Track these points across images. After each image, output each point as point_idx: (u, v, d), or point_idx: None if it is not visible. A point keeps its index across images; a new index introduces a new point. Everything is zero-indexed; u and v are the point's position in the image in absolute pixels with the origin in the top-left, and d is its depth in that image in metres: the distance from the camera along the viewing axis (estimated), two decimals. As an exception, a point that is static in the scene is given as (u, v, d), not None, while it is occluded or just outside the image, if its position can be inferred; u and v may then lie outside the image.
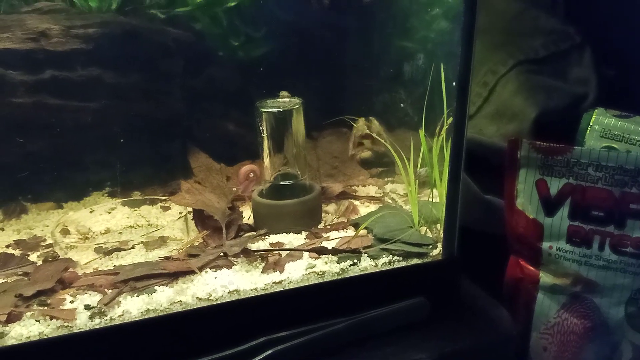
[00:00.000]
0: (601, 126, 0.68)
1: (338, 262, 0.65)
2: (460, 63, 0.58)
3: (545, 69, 0.82)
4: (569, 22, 0.85)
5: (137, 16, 0.81)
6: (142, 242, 0.70)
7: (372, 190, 0.86)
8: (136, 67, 0.80)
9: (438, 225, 0.71)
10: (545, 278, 0.67)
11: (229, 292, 0.59)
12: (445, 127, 0.66)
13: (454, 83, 0.60)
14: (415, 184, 0.71)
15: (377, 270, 0.65)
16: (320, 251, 0.66)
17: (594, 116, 0.69)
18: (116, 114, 0.80)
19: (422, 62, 0.78)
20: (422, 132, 0.68)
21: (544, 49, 0.83)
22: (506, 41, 0.85)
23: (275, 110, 0.73)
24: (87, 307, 0.56)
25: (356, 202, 0.82)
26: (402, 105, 0.81)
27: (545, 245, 0.65)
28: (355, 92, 0.91)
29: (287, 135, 0.75)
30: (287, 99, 0.76)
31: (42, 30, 0.75)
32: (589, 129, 0.69)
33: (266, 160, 0.76)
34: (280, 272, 0.62)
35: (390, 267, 0.65)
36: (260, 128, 0.74)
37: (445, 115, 0.66)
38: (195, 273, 0.61)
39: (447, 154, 0.65)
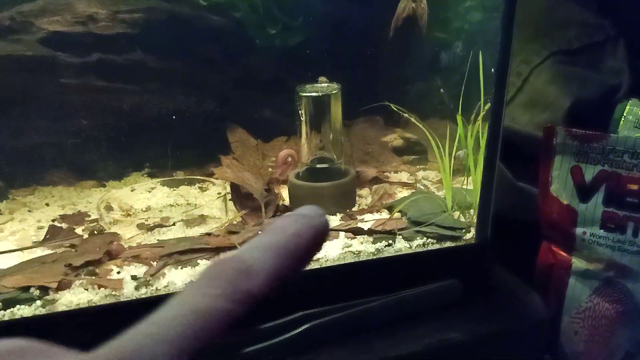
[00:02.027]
0: (635, 117, 0.69)
1: (373, 242, 0.66)
2: (499, 48, 0.59)
3: (579, 60, 0.83)
4: (602, 14, 0.85)
5: (180, 3, 0.83)
6: (182, 220, 0.72)
7: (404, 177, 0.88)
8: (178, 52, 0.82)
9: (471, 211, 0.72)
10: (577, 263, 0.67)
11: (268, 268, 0.61)
12: (482, 114, 0.67)
13: (492, 70, 0.61)
14: (451, 169, 0.72)
15: (411, 251, 0.66)
16: (356, 231, 0.68)
17: (627, 107, 0.70)
18: (157, 97, 0.83)
19: (459, 50, 0.79)
20: (459, 117, 0.69)
21: (577, 41, 0.84)
22: (540, 33, 0.86)
23: (314, 94, 0.75)
24: (134, 277, 0.59)
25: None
26: (441, 90, 0.82)
27: (578, 231, 0.66)
28: (389, 81, 0.92)
29: (325, 119, 0.76)
30: (326, 84, 0.78)
31: (90, 14, 0.78)
32: (623, 119, 0.69)
33: (303, 143, 0.78)
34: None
35: (424, 249, 0.67)
36: (299, 112, 0.76)
37: (482, 101, 0.67)
38: (236, 248, 0.63)
39: (482, 141, 0.67)
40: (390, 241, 0.66)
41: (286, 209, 0.76)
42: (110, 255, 0.63)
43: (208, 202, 0.77)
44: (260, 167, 0.82)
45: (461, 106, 0.70)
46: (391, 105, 0.75)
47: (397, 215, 0.72)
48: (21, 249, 0.66)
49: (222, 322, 0.20)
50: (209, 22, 0.85)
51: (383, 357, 0.58)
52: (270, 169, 0.82)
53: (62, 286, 0.57)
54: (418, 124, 0.73)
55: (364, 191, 0.82)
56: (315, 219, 0.25)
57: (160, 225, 0.71)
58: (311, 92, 0.75)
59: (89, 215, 0.76)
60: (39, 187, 0.83)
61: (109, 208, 0.76)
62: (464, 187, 0.74)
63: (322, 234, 0.24)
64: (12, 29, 0.75)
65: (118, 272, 0.60)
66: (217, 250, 0.63)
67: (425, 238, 0.67)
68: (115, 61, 0.79)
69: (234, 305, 0.20)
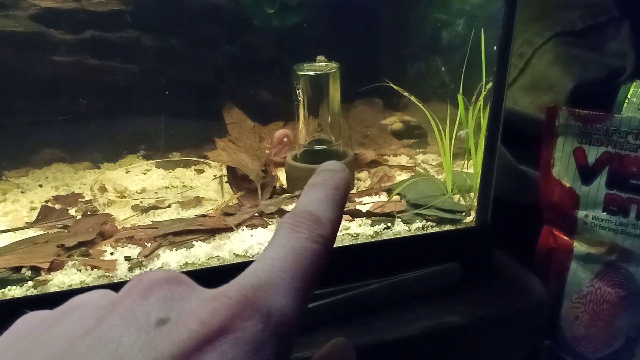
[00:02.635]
0: (639, 99, 0.67)
1: (372, 225, 0.65)
2: (502, 28, 0.58)
3: (582, 41, 0.81)
4: (607, -5, 0.84)
5: (176, -21, 0.81)
6: (177, 202, 0.71)
7: (403, 160, 0.86)
8: (173, 30, 0.81)
9: (471, 194, 0.71)
10: (579, 247, 0.66)
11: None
12: (483, 94, 0.66)
13: (494, 47, 0.60)
14: (451, 152, 0.71)
15: (410, 234, 0.65)
16: (355, 214, 0.67)
17: (632, 88, 0.68)
18: (153, 77, 0.81)
19: (460, 29, 0.78)
20: (460, 96, 0.68)
21: (581, 22, 0.82)
22: (543, 14, 0.84)
23: (312, 73, 0.74)
24: (127, 258, 0.57)
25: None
26: (442, 68, 0.80)
27: (580, 214, 0.65)
28: (389, 61, 0.90)
29: (323, 99, 0.75)
30: (324, 63, 0.76)
31: (84, -10, 0.76)
32: (627, 101, 0.68)
33: (301, 124, 0.76)
34: (315, 233, 0.63)
35: (424, 232, 0.66)
36: (297, 91, 0.74)
37: (483, 82, 0.66)
38: (232, 230, 0.62)
39: (483, 123, 0.65)
40: (389, 224, 0.65)
41: (283, 190, 0.75)
42: (104, 236, 0.62)
43: (204, 184, 0.75)
44: (257, 149, 0.80)
45: (462, 87, 0.69)
46: (391, 84, 0.73)
47: (396, 197, 0.71)
48: (13, 230, 0.65)
49: (313, 258, 0.25)
50: (206, 0, 0.83)
51: (382, 340, 0.57)
52: (267, 151, 0.81)
53: (54, 267, 0.56)
54: (418, 103, 0.71)
55: (363, 174, 0.81)
56: (342, 172, 0.31)
57: (155, 207, 0.70)
58: (309, 71, 0.74)
59: (83, 197, 0.75)
60: (33, 169, 0.82)
61: (103, 189, 0.74)
62: (465, 170, 0.73)
63: (349, 184, 0.31)
64: (2, 4, 0.73)
65: (111, 253, 0.58)
66: (212, 231, 0.62)
67: (424, 221, 0.66)
68: (109, 39, 0.77)
69: (317, 245, 0.26)
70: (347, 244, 0.63)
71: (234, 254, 0.59)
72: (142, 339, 0.21)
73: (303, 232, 0.26)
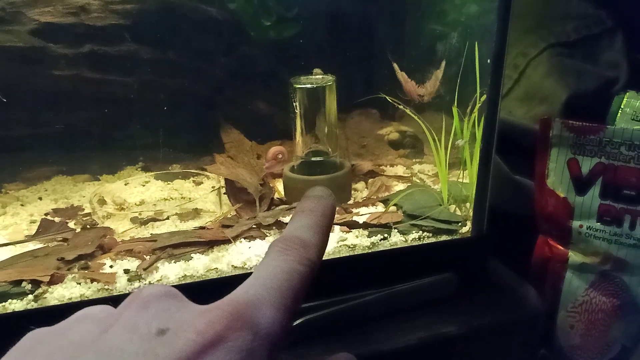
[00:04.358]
0: (632, 109, 0.68)
1: (369, 236, 0.66)
2: (495, 39, 0.59)
3: (576, 52, 0.82)
4: (601, 6, 0.85)
5: (174, -7, 0.82)
6: (176, 214, 0.71)
7: (400, 170, 0.87)
8: (172, 43, 0.81)
9: (467, 204, 0.71)
10: (574, 257, 0.67)
11: (262, 262, 0.60)
12: (477, 105, 0.67)
13: (488, 60, 0.61)
14: (446, 162, 0.71)
15: (407, 245, 0.66)
16: (352, 225, 0.67)
17: (625, 99, 0.69)
18: (151, 89, 0.82)
19: (455, 41, 0.78)
20: (455, 108, 0.69)
21: (575, 33, 0.83)
22: (538, 25, 0.85)
23: (309, 86, 0.74)
24: (127, 271, 0.58)
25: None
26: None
27: (575, 224, 0.66)
28: (385, 73, 0.91)
29: (320, 111, 0.76)
30: (321, 76, 0.77)
31: (82, 5, 0.76)
32: (620, 111, 0.69)
33: (298, 136, 0.77)
34: (312, 244, 0.63)
35: (420, 243, 0.66)
36: (294, 104, 0.75)
37: (477, 94, 0.67)
38: (230, 242, 0.63)
39: (478, 134, 0.66)
40: (385, 235, 0.66)
41: (281, 202, 0.75)
42: (103, 249, 0.62)
43: (202, 195, 0.76)
44: (254, 166, 0.81)
45: (457, 98, 0.70)
46: (386, 97, 0.74)
47: (392, 208, 0.71)
48: (13, 243, 0.66)
49: (299, 279, 0.28)
50: (203, 13, 0.83)
51: (378, 350, 0.57)
52: (264, 166, 0.82)
53: (55, 280, 0.56)
54: (413, 116, 0.72)
55: (359, 185, 0.82)
56: (329, 199, 0.34)
57: (154, 219, 0.70)
58: (305, 84, 0.75)
59: (83, 209, 0.75)
60: (32, 181, 0.83)
61: (102, 202, 0.75)
62: (460, 180, 0.73)
63: (334, 210, 0.34)
64: (2, 19, 0.74)
65: (111, 266, 0.59)
66: (211, 243, 0.62)
67: (421, 231, 0.67)
68: (107, 52, 0.78)
69: (304, 267, 0.28)
70: (344, 255, 0.63)
71: (232, 266, 0.60)
72: (144, 347, 0.23)
73: (291, 255, 0.29)
